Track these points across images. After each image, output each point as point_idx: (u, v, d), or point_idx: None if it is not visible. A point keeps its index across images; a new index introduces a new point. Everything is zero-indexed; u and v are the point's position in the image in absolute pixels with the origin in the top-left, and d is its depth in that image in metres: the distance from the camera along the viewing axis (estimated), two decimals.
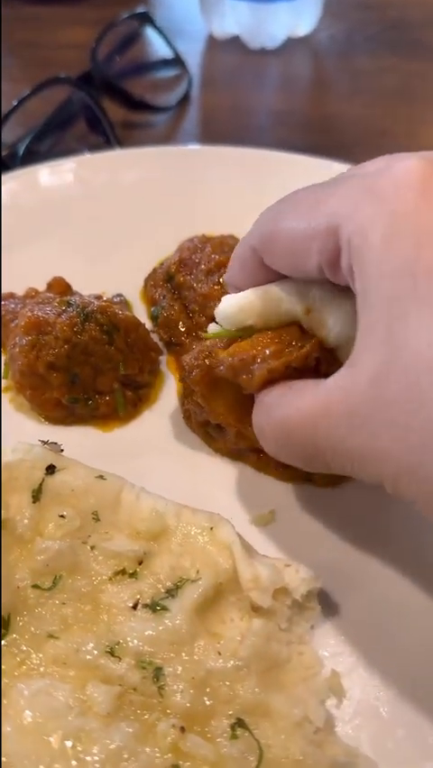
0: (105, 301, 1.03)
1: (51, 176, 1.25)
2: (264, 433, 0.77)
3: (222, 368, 0.82)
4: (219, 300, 1.01)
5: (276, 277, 0.81)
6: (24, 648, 0.75)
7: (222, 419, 0.89)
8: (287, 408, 0.72)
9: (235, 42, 1.85)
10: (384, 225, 0.63)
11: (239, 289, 0.84)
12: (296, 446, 0.72)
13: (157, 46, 1.76)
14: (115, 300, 1.09)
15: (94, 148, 1.45)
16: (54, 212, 1.21)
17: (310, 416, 0.69)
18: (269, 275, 0.81)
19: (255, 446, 0.89)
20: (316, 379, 0.73)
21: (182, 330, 1.05)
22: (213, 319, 1.03)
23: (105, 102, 1.51)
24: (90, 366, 0.95)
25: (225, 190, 1.24)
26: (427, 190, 0.64)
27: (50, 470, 0.83)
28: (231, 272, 0.87)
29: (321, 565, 0.83)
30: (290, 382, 0.77)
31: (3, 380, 1.01)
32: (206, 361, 0.89)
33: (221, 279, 1.03)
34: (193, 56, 1.82)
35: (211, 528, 0.82)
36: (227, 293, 1.02)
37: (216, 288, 1.03)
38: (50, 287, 1.05)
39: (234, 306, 0.82)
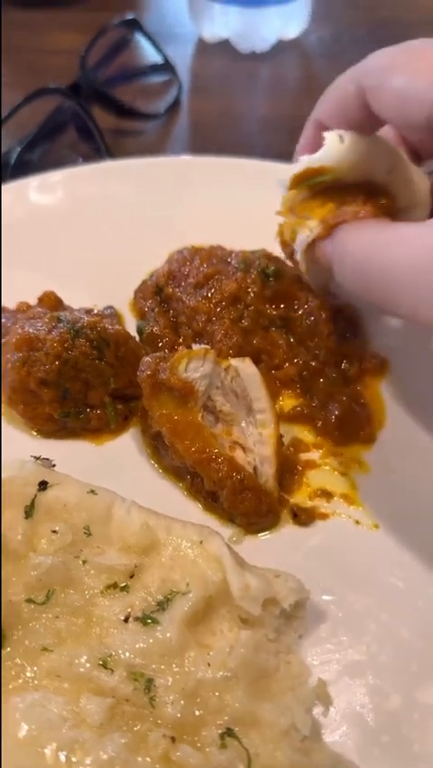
0: (95, 315, 1.05)
1: (41, 189, 1.26)
2: (344, 262, 0.79)
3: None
4: (206, 314, 1.04)
5: (370, 121, 0.83)
6: (19, 662, 0.77)
7: (157, 423, 0.92)
8: (388, 250, 0.74)
9: (225, 46, 1.85)
10: None
11: (326, 127, 0.86)
12: (388, 286, 0.73)
13: (147, 51, 1.76)
14: (105, 312, 1.10)
15: (84, 156, 1.46)
16: (44, 225, 1.23)
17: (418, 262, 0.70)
18: (365, 118, 0.83)
19: (189, 468, 0.92)
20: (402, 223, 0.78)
21: (165, 344, 1.06)
22: (199, 334, 1.05)
23: (96, 110, 1.51)
24: (81, 381, 0.97)
25: (215, 200, 1.25)
26: None
27: (43, 485, 0.85)
28: (324, 108, 0.87)
29: (308, 575, 0.84)
30: (379, 223, 0.80)
31: None
32: (160, 364, 0.92)
33: (209, 294, 1.04)
34: (183, 59, 1.83)
35: (201, 542, 0.83)
36: (214, 306, 1.04)
37: (203, 301, 1.04)
38: (40, 301, 1.06)
39: (334, 147, 0.83)
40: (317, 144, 0.85)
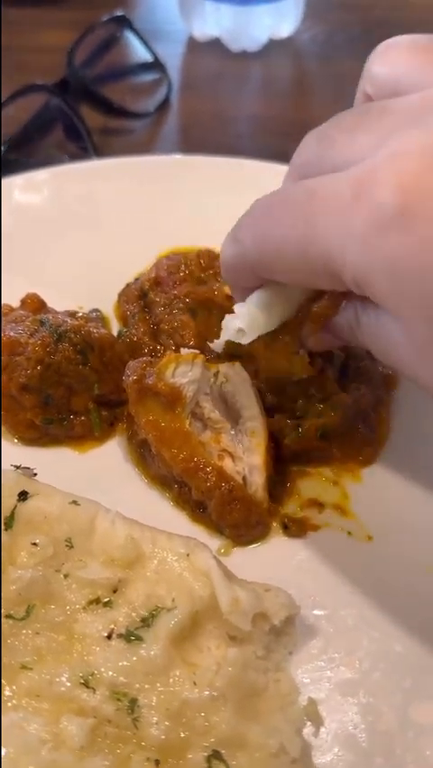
0: (79, 317, 1.02)
1: (26, 188, 1.23)
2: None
3: None
4: (190, 328, 1.00)
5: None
6: None
7: (143, 430, 0.89)
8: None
9: (216, 44, 1.82)
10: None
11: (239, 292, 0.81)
12: None
13: (136, 49, 1.73)
14: (91, 316, 1.07)
15: (71, 156, 1.43)
16: (29, 225, 1.20)
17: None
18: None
19: (176, 477, 0.89)
20: None
21: (145, 353, 1.03)
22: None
23: (84, 108, 1.48)
24: (64, 386, 0.94)
25: (205, 201, 1.22)
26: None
27: (23, 496, 0.82)
28: (225, 276, 0.82)
29: (299, 588, 0.82)
30: None
31: None
32: (146, 368, 0.90)
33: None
34: (173, 58, 1.80)
35: (188, 554, 0.80)
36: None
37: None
38: (23, 304, 1.03)
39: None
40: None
